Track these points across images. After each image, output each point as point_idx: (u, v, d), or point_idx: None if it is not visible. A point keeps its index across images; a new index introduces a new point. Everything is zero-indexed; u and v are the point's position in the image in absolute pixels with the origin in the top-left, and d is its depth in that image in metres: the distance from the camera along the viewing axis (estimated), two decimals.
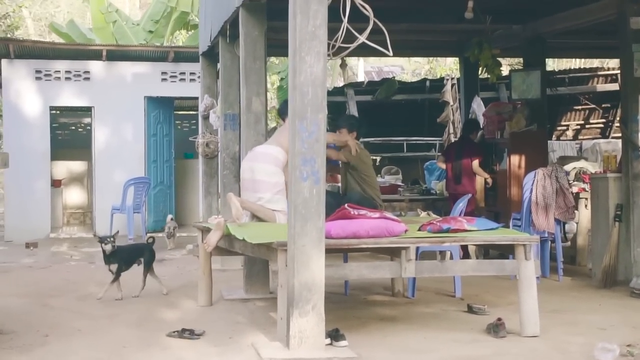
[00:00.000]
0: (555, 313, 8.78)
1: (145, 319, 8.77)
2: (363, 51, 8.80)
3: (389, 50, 7.18)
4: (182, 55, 17.31)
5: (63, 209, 20.05)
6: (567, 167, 12.99)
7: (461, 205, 10.31)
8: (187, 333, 7.80)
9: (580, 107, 20.93)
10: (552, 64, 28.29)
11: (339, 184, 10.31)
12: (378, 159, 22.55)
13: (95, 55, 17.29)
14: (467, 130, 13.25)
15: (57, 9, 38.11)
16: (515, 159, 12.43)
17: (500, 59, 13.89)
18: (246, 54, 9.94)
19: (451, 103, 18.78)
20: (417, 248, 9.32)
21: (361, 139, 19.91)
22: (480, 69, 13.28)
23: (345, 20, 6.96)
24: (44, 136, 17.32)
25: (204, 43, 14.21)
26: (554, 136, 21.43)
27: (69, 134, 21.27)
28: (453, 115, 18.72)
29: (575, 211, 11.85)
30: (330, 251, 7.15)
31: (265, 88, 10.45)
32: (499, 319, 7.82)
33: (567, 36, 13.68)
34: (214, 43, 13.07)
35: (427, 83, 20.90)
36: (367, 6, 7.03)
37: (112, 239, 9.96)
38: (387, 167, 19.30)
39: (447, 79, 19.39)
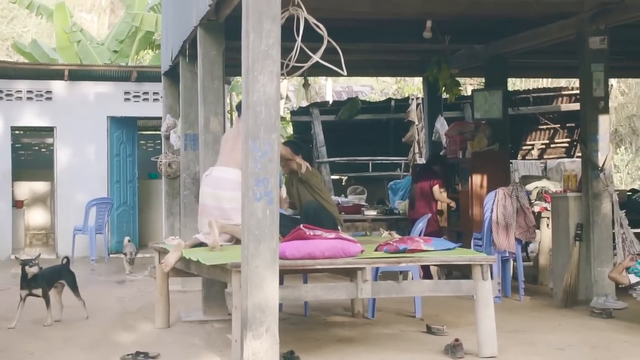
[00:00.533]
0: (515, 333, 8.74)
1: (99, 342, 8.64)
2: (319, 70, 8.76)
3: (343, 70, 7.13)
4: (146, 75, 17.20)
5: (25, 230, 19.84)
6: (529, 187, 13.01)
7: (420, 225, 10.28)
8: (141, 356, 7.69)
9: (544, 127, 21.00)
10: (519, 84, 28.44)
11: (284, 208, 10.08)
12: (344, 178, 22.53)
13: (57, 75, 17.14)
14: (432, 162, 13.19)
15: (24, 29, 37.81)
16: (477, 179, 12.40)
17: (462, 79, 13.90)
18: (204, 74, 9.87)
19: (416, 122, 18.83)
20: (377, 269, 9.42)
21: (325, 159, 20.13)
22: (440, 88, 13.23)
23: (299, 39, 6.92)
24: (4, 157, 17.13)
25: (165, 63, 14.14)
26: (519, 155, 21.49)
27: (32, 154, 21.06)
28: (418, 134, 18.75)
29: (537, 230, 11.87)
30: (288, 272, 7.07)
31: (224, 108, 10.37)
32: (457, 340, 7.77)
33: (529, 55, 13.69)
34: (175, 63, 13.00)
35: (393, 102, 20.92)
36: (320, 25, 7.00)
37: (36, 261, 9.61)
38: (353, 187, 19.23)
39: (413, 99, 19.47)
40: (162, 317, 9.34)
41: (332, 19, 11.20)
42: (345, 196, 17.02)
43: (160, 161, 14.70)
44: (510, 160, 19.94)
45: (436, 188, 12.33)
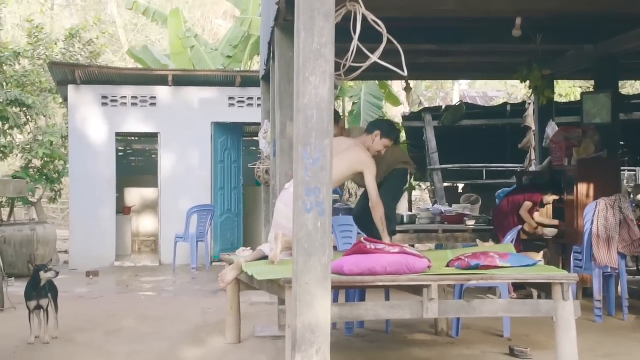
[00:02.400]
0: (607, 357, 8.02)
1: (164, 357, 8.29)
2: (381, 74, 8.13)
3: (404, 71, 6.57)
4: (250, 80, 16.87)
5: (134, 237, 19.83)
6: None
7: (509, 238, 9.59)
8: None
9: None
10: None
11: None
12: (461, 186, 21.82)
13: (162, 81, 17.01)
14: (542, 189, 12.39)
15: (148, 38, 38.44)
16: (582, 188, 11.60)
17: (573, 82, 13.08)
18: (280, 76, 9.40)
19: (533, 128, 17.99)
20: (462, 285, 8.79)
21: (438, 166, 19.48)
22: (530, 90, 12.43)
23: (356, 37, 6.37)
24: (109, 163, 17.05)
25: (262, 67, 13.79)
26: None
27: (143, 161, 21.09)
28: (535, 141, 17.92)
29: None
30: (343, 288, 6.55)
31: None
32: None
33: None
34: (269, 66, 12.62)
35: (508, 107, 20.10)
36: (380, 22, 6.44)
37: (50, 266, 9.19)
38: (467, 195, 18.58)
39: (529, 103, 18.60)
40: (233, 331, 8.93)
41: (409, 19, 10.71)
42: (458, 204, 16.40)
43: (258, 168, 14.32)
44: (634, 168, 18.99)
45: (526, 204, 11.62)
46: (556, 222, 11.94)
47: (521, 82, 12.67)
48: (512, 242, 9.71)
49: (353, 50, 6.46)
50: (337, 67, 6.73)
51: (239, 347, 8.77)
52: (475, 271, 6.97)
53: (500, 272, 7.00)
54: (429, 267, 6.89)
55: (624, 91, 28.46)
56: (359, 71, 6.65)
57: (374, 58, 6.46)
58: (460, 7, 9.41)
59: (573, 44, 12.52)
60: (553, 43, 12.15)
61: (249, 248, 9.04)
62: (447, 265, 7.27)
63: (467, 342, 8.79)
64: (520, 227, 10.97)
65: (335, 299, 9.49)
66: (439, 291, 8.89)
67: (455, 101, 30.47)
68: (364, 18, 6.43)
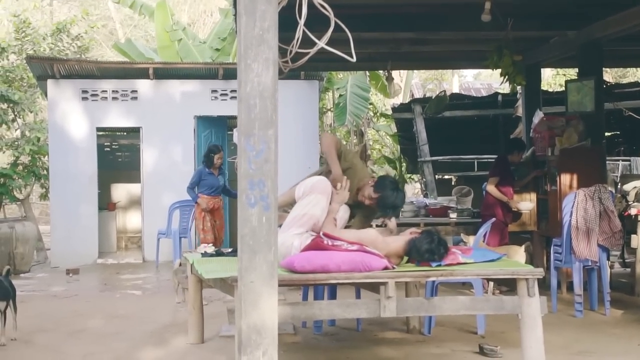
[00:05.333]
0: (581, 355, 7.69)
1: (120, 359, 7.95)
2: (336, 64, 7.72)
3: (352, 57, 6.21)
4: (233, 72, 16.47)
5: (121, 233, 19.51)
6: (627, 187, 11.80)
7: (481, 231, 9.25)
8: None
9: None
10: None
11: None
12: (454, 178, 21.46)
13: (143, 74, 16.66)
14: (507, 150, 12.12)
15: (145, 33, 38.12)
16: (565, 179, 11.26)
17: (557, 70, 12.71)
18: None
19: None
20: (433, 282, 8.47)
21: (428, 158, 19.12)
22: (501, 77, 12.04)
23: (302, 22, 6.01)
24: (90, 158, 16.68)
25: None
26: None
27: (129, 156, 20.75)
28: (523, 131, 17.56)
29: (634, 235, 10.66)
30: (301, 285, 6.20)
31: None
32: None
33: (626, 43, 12.42)
34: None
35: (500, 97, 19.74)
36: (326, 6, 6.07)
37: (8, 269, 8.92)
38: (458, 187, 18.17)
39: (520, 93, 18.26)
40: (195, 331, 8.61)
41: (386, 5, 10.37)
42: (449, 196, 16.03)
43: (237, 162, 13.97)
44: (629, 158, 18.62)
45: (490, 181, 11.38)
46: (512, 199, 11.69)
47: (492, 69, 12.29)
48: (484, 235, 9.37)
49: (299, 36, 6.10)
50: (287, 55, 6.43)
51: (201, 347, 8.44)
52: (435, 268, 6.62)
53: (461, 268, 6.66)
54: (386, 267, 6.53)
55: (625, 80, 28.10)
56: (306, 58, 6.29)
57: (321, 44, 6.10)
58: None
59: (556, 29, 12.16)
60: (536, 29, 11.83)
61: (210, 244, 8.73)
62: (408, 261, 6.93)
63: (438, 340, 8.45)
64: (493, 219, 10.63)
65: (304, 297, 9.22)
66: (410, 288, 8.66)
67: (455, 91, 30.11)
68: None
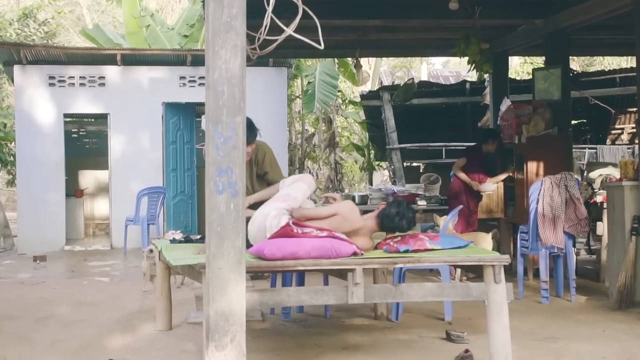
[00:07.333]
0: (546, 341, 7.73)
1: (87, 346, 7.91)
2: (304, 52, 7.68)
3: (320, 45, 6.22)
4: (201, 59, 16.45)
5: (89, 220, 19.45)
6: (593, 174, 11.90)
7: (448, 218, 9.30)
8: None
9: (634, 109, 19.61)
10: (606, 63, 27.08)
11: None
12: (422, 166, 21.55)
13: (110, 60, 16.60)
14: (482, 139, 12.19)
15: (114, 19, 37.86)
16: (532, 166, 11.35)
17: (525, 58, 12.79)
18: None
19: None
20: (400, 268, 8.52)
21: (396, 145, 19.17)
22: (468, 65, 12.11)
23: (270, 8, 6.02)
24: (57, 145, 16.63)
25: None
26: (608, 140, 20.21)
27: (98, 142, 20.66)
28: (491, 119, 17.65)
29: (599, 223, 10.76)
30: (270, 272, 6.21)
31: None
32: (467, 351, 6.87)
33: (591, 32, 12.53)
34: None
35: (468, 85, 19.83)
36: None
37: None
38: (426, 175, 18.27)
39: (488, 81, 18.35)
40: (163, 318, 8.60)
41: None
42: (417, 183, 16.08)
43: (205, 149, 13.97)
44: (595, 146, 18.77)
45: (457, 162, 11.47)
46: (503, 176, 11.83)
47: (460, 57, 12.36)
48: (452, 222, 9.43)
49: (267, 23, 6.10)
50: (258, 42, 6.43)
51: (168, 334, 8.43)
52: (401, 254, 6.66)
53: (428, 255, 6.69)
54: (354, 253, 6.55)
55: (591, 69, 28.32)
56: (274, 45, 6.28)
57: (289, 31, 6.11)
58: None
59: (523, 18, 12.23)
60: (503, 17, 11.89)
61: (178, 231, 8.72)
62: (376, 248, 6.96)
63: (406, 326, 8.49)
64: (460, 206, 10.69)
65: (273, 284, 9.24)
66: (378, 275, 8.70)
67: (422, 79, 30.17)
68: None
